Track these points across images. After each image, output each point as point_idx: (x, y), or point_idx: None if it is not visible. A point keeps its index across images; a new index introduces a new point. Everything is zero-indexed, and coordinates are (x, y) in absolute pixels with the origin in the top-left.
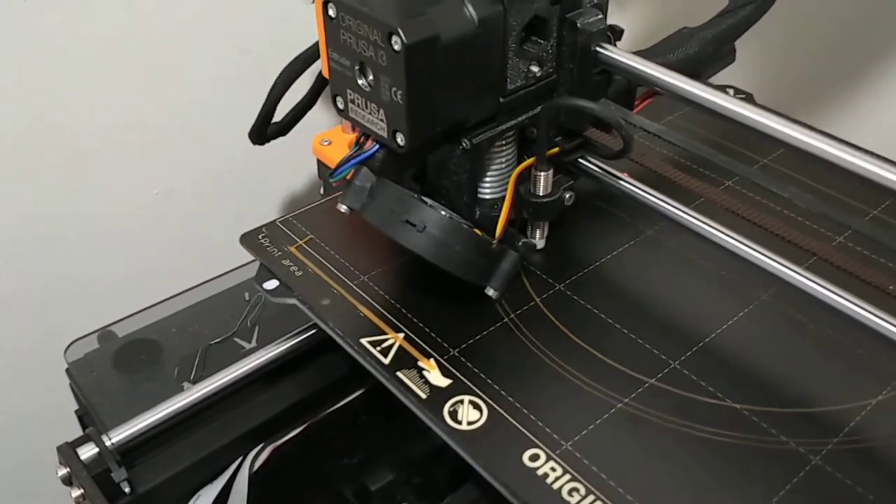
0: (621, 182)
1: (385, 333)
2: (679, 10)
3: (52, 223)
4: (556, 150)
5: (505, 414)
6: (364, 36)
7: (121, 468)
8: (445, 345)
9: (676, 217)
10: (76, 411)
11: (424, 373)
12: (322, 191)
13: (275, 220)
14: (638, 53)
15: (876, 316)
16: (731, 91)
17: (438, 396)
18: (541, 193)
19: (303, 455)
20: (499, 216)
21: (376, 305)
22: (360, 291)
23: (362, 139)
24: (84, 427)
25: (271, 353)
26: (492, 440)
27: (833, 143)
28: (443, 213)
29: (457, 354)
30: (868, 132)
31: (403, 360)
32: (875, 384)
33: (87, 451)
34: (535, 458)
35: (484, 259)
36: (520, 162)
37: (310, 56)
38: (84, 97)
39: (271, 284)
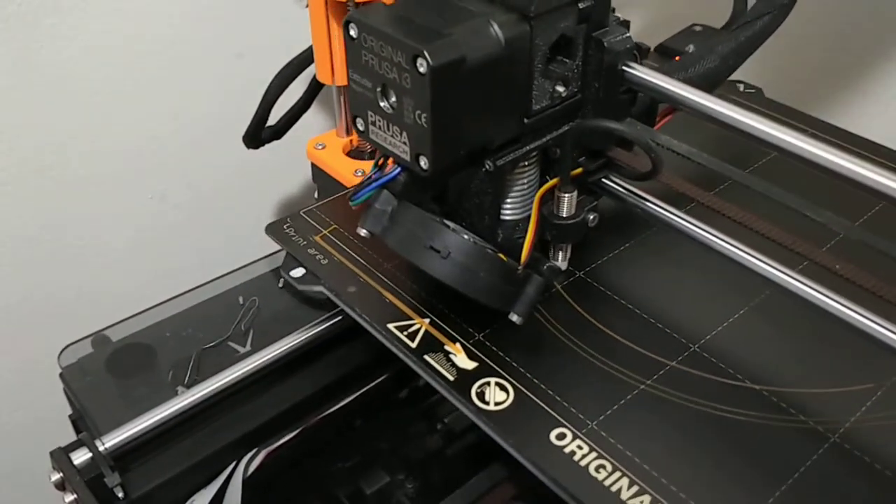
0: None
1: (411, 319)
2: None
3: (46, 228)
4: (579, 170)
5: (531, 395)
6: (387, 57)
7: (114, 473)
8: (470, 329)
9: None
10: (70, 416)
11: (451, 356)
12: (316, 194)
13: (299, 211)
14: (658, 70)
15: None
16: (742, 86)
17: (465, 378)
18: (564, 215)
19: (297, 459)
20: (521, 238)
21: (401, 292)
22: (384, 279)
23: (381, 161)
24: (78, 432)
25: (265, 357)
26: (519, 420)
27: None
28: (467, 237)
29: (482, 339)
30: (877, 125)
31: (430, 344)
32: (892, 364)
33: (81, 456)
34: (561, 436)
35: (509, 285)
36: (542, 182)
37: (304, 60)
38: (77, 102)
39: (298, 272)
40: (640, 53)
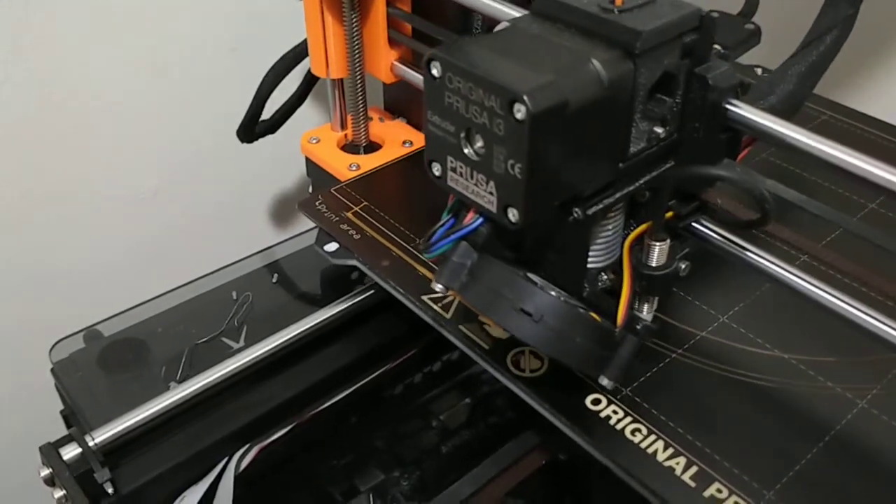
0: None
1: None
2: None
3: (37, 223)
4: (669, 214)
5: None
6: (476, 100)
7: (104, 468)
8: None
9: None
10: (61, 411)
11: (485, 326)
12: (310, 189)
13: (329, 189)
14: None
15: None
16: (760, 70)
17: (500, 347)
18: (655, 265)
19: (290, 455)
20: (607, 288)
21: (434, 266)
22: (416, 253)
23: (456, 207)
24: (69, 427)
25: (258, 353)
26: (554, 386)
27: None
28: (554, 294)
29: None
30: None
31: (465, 315)
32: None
33: (70, 452)
34: (596, 402)
35: (605, 349)
36: (625, 227)
37: (298, 53)
38: (68, 95)
39: (332, 246)
40: (741, 89)
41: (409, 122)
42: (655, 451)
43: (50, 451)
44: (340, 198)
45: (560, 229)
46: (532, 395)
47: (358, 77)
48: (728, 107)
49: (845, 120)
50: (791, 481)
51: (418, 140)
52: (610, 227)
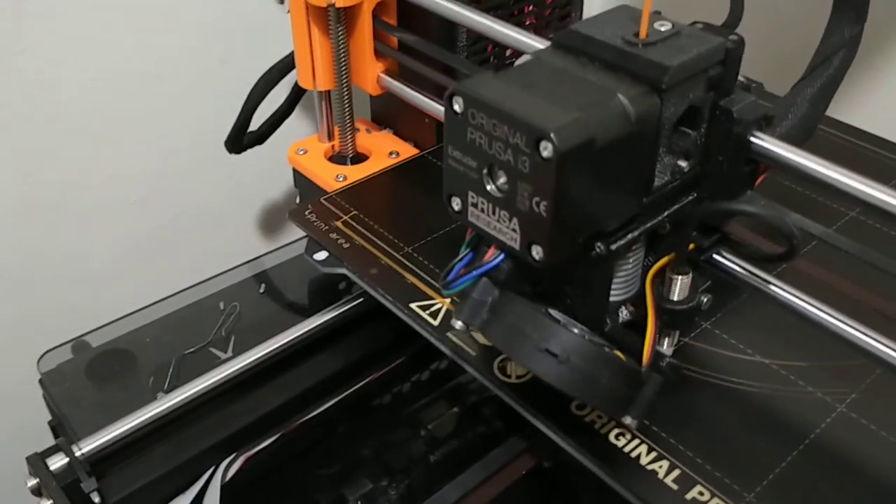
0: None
1: (433, 298)
2: None
3: (25, 233)
4: (691, 246)
5: None
6: (500, 137)
7: (91, 478)
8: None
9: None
10: (49, 422)
11: (473, 333)
12: (298, 200)
13: (319, 198)
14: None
15: None
16: (743, 79)
17: (487, 354)
18: (677, 299)
19: (278, 464)
20: (626, 321)
21: (422, 274)
22: (405, 261)
23: (474, 241)
24: (57, 438)
25: (244, 362)
26: (541, 392)
27: None
28: (580, 334)
29: None
30: (875, 116)
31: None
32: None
33: (57, 462)
34: (581, 406)
35: (631, 389)
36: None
37: (286, 65)
38: (58, 107)
39: (321, 255)
40: (766, 121)
41: (395, 133)
42: (639, 455)
43: (37, 462)
44: (330, 207)
45: (582, 265)
46: (518, 401)
47: (345, 89)
48: (752, 139)
49: (836, 133)
50: (771, 484)
51: (405, 151)
52: (631, 260)
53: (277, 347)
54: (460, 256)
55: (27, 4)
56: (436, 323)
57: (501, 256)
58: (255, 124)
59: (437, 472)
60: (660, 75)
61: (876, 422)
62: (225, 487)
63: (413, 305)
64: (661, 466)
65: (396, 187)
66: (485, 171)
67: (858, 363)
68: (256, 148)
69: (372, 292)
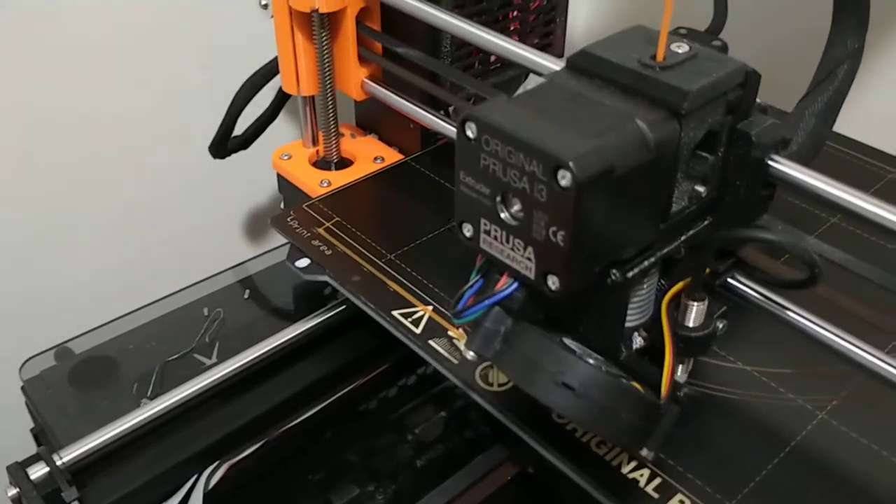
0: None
1: (415, 306)
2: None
3: (8, 239)
4: (706, 271)
5: None
6: (516, 164)
7: (72, 487)
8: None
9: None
10: (32, 429)
11: (454, 341)
12: (282, 205)
13: (301, 205)
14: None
15: None
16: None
17: (469, 362)
18: (692, 325)
19: (261, 472)
20: (640, 348)
21: (404, 281)
22: (387, 268)
23: (485, 268)
24: (39, 445)
25: (228, 369)
26: (522, 400)
27: None
28: (597, 365)
29: None
30: (861, 120)
31: (434, 330)
32: (878, 343)
33: (38, 471)
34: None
35: (649, 422)
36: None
37: (270, 70)
38: (41, 111)
39: (303, 262)
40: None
41: (380, 138)
42: (620, 464)
43: (17, 471)
44: (312, 213)
45: (597, 292)
46: (500, 409)
47: (329, 94)
48: (770, 163)
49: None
50: (752, 492)
51: (389, 156)
52: (645, 286)
53: (262, 354)
54: (470, 283)
55: (4, 11)
56: (418, 330)
57: (515, 285)
58: (239, 129)
59: (424, 476)
60: (679, 100)
61: (856, 429)
62: (208, 496)
63: (395, 313)
64: (642, 475)
65: (380, 194)
66: (498, 198)
67: (838, 370)
68: (241, 153)
69: (354, 300)
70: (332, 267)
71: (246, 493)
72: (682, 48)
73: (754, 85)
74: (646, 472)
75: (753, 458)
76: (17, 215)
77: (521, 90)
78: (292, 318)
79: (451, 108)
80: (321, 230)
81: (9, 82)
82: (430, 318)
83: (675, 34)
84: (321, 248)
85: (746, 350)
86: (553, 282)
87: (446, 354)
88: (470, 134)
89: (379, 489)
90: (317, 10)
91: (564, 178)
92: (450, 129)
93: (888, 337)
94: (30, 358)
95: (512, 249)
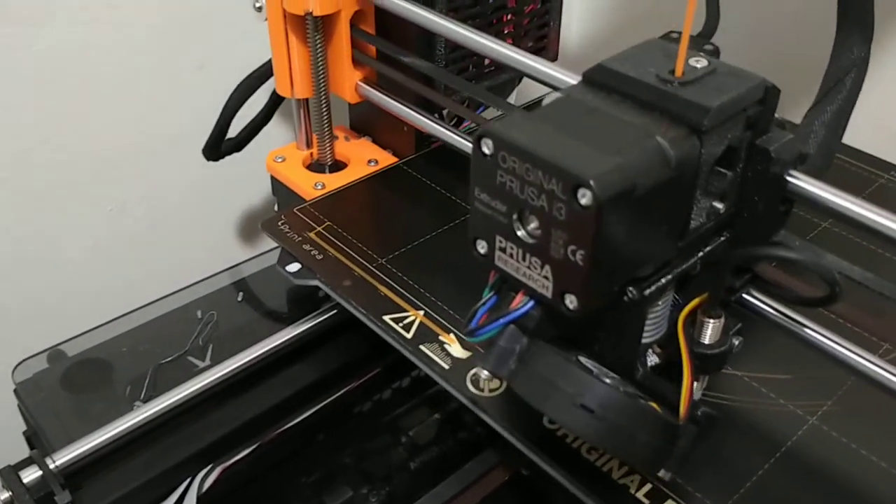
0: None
1: (406, 311)
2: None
3: (2, 240)
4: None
5: None
6: (533, 182)
7: (65, 491)
8: (463, 320)
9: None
10: (24, 432)
11: (445, 346)
12: (276, 207)
13: (293, 209)
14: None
15: None
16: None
17: (460, 367)
18: (708, 342)
19: (255, 475)
20: (655, 365)
21: (395, 286)
22: (379, 273)
23: (498, 284)
24: (32, 449)
25: (221, 372)
26: (513, 405)
27: None
28: (614, 385)
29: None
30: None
31: (425, 335)
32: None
33: (31, 475)
34: (554, 420)
35: (668, 444)
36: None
37: (264, 73)
38: (35, 112)
39: (294, 267)
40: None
41: (374, 141)
42: (611, 469)
43: (10, 475)
44: (303, 217)
45: (614, 310)
46: (490, 414)
47: (322, 97)
48: (789, 179)
49: None
50: (742, 497)
51: (383, 159)
52: (660, 302)
53: (256, 356)
54: (483, 300)
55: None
56: (409, 335)
57: (531, 304)
58: (233, 131)
59: (418, 479)
60: (700, 117)
61: (847, 434)
62: (201, 499)
63: (386, 318)
64: (632, 481)
65: (373, 197)
66: (515, 215)
67: (829, 375)
68: (234, 155)
69: (345, 304)
70: (322, 271)
71: (239, 497)
72: (700, 63)
73: (773, 100)
74: (636, 477)
75: (744, 463)
76: (10, 217)
77: (514, 94)
78: (286, 321)
79: (444, 111)
80: (312, 234)
81: (2, 84)
82: (421, 322)
83: (668, 38)
84: (312, 252)
85: (736, 355)
86: (571, 301)
87: (437, 359)
88: (486, 150)
89: (373, 491)
90: (311, 12)
91: (585, 197)
92: (443, 132)
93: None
94: (22, 361)
95: (528, 267)
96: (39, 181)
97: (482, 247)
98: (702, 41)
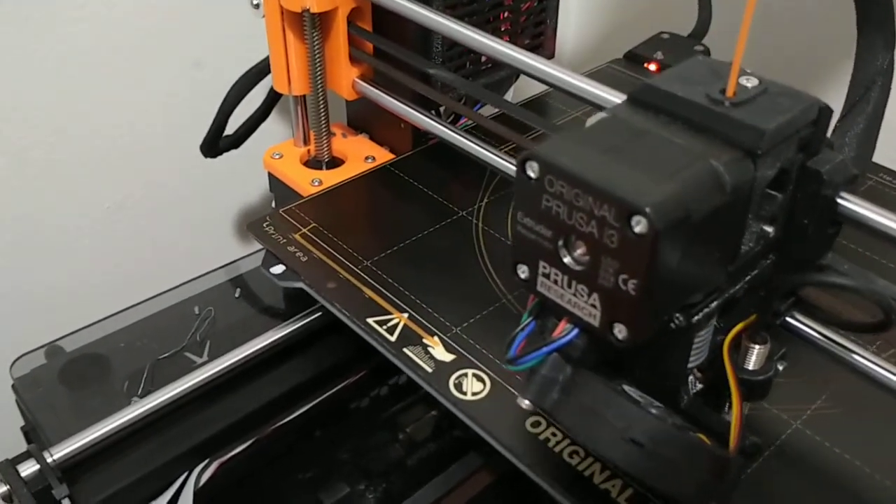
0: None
1: (390, 313)
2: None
3: (0, 236)
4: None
5: (507, 385)
6: (583, 208)
7: (62, 485)
8: (448, 323)
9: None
10: (22, 427)
11: (429, 349)
12: (273, 204)
13: (278, 210)
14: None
15: None
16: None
17: (443, 370)
18: (752, 368)
19: (251, 471)
20: (698, 391)
21: (380, 288)
22: (363, 275)
23: (537, 309)
24: (30, 443)
25: (217, 368)
26: (495, 409)
27: None
28: (662, 416)
29: (459, 332)
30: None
31: (409, 338)
32: None
33: (28, 468)
34: (536, 424)
35: (718, 478)
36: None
37: (262, 69)
38: (33, 108)
39: (278, 269)
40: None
41: (371, 138)
42: (592, 474)
43: (7, 468)
44: (289, 219)
45: (660, 337)
46: (473, 418)
47: (320, 94)
48: (840, 201)
49: None
50: None
51: (380, 155)
52: (704, 328)
53: (253, 352)
54: (522, 325)
55: None
56: (392, 338)
57: (575, 332)
58: (230, 128)
59: (415, 475)
60: (755, 139)
61: (829, 438)
62: (198, 493)
63: (370, 320)
64: (613, 486)
65: (363, 197)
66: (561, 241)
67: (813, 379)
68: (232, 152)
69: (329, 306)
70: (307, 273)
71: (236, 492)
72: (751, 81)
73: (826, 121)
74: (618, 482)
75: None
76: (8, 213)
77: (511, 91)
78: (283, 317)
79: (441, 108)
80: (297, 236)
81: (0, 82)
82: (405, 325)
83: (658, 38)
84: (297, 254)
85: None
86: (620, 331)
87: (420, 362)
88: (531, 174)
89: (369, 488)
90: (308, 9)
91: (639, 225)
92: (440, 129)
93: None
94: (21, 356)
95: (574, 295)
96: (37, 178)
97: (523, 272)
98: (692, 42)
